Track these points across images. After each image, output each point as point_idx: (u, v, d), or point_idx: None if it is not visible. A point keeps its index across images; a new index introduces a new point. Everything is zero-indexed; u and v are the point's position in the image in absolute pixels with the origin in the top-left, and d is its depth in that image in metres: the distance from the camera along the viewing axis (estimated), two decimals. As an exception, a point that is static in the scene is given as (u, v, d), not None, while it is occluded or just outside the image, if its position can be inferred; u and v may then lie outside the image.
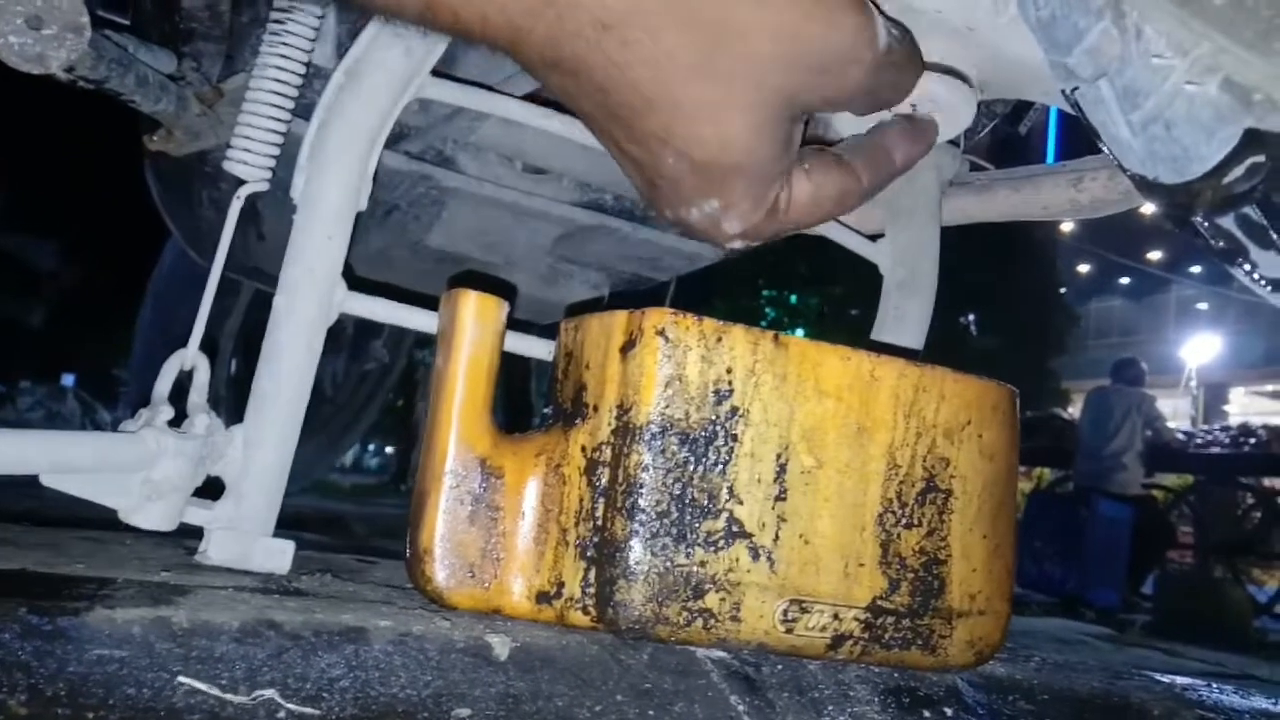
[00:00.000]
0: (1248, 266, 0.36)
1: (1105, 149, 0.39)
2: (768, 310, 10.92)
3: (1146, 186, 0.38)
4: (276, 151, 0.64)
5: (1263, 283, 0.36)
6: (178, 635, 0.40)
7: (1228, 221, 0.35)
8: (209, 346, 0.61)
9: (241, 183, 0.63)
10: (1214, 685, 0.65)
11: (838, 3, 0.43)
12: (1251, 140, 0.32)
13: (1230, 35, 0.33)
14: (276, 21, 0.65)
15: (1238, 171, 0.33)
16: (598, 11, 0.40)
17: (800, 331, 10.55)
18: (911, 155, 0.52)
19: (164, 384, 0.59)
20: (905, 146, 0.52)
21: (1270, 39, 0.32)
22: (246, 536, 0.58)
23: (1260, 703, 0.60)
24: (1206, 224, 0.35)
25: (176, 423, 0.57)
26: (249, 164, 0.63)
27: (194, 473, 0.56)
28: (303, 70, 0.65)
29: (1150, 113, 0.35)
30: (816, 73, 0.44)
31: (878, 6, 0.44)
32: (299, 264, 0.59)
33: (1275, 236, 0.33)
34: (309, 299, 0.58)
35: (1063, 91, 0.40)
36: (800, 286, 10.72)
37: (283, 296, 0.59)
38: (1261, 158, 0.32)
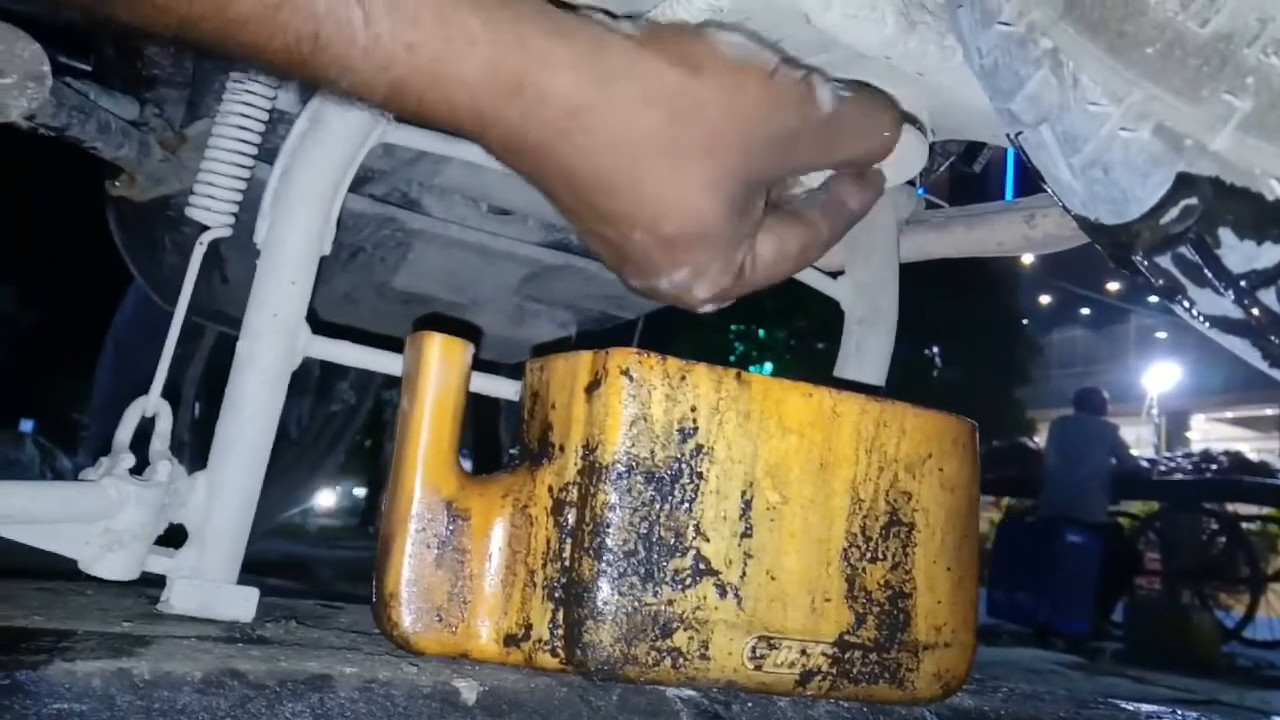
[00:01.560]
0: (1187, 304, 0.37)
1: (1050, 190, 0.41)
2: (736, 345, 10.99)
3: (1089, 227, 0.39)
4: (240, 197, 0.64)
5: (1201, 319, 0.37)
6: (139, 687, 0.40)
7: (1165, 261, 0.36)
8: (172, 391, 0.61)
9: (205, 228, 0.63)
10: (1178, 712, 0.66)
11: (781, 81, 0.46)
12: (1184, 183, 0.34)
13: (1160, 83, 0.34)
14: (239, 69, 0.65)
15: (1173, 213, 0.35)
16: (565, 100, 0.42)
17: (768, 365, 10.61)
18: (865, 202, 0.55)
19: (125, 431, 0.59)
20: (857, 195, 0.54)
21: (1198, 87, 0.33)
22: (210, 584, 0.57)
23: (1222, 728, 0.61)
24: (1146, 263, 0.37)
25: (138, 470, 0.57)
26: (212, 209, 0.63)
27: (156, 521, 0.55)
28: (266, 116, 0.66)
29: (1089, 157, 0.36)
30: (770, 146, 0.47)
31: (822, 72, 0.47)
32: (262, 309, 0.59)
33: (1210, 275, 0.35)
34: (272, 344, 0.58)
35: (1008, 135, 0.42)
36: (767, 321, 10.79)
37: (246, 342, 0.59)
38: (1194, 200, 0.34)
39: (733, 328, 10.94)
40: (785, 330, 10.74)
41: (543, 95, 0.41)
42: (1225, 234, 0.33)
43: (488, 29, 0.40)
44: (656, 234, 0.46)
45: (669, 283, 0.49)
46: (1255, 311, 0.34)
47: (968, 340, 11.21)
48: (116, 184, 0.90)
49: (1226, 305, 0.35)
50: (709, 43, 0.46)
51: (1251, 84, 0.32)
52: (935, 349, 11.30)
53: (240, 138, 0.64)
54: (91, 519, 0.53)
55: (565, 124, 0.42)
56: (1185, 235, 0.34)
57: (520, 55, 0.41)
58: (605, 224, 0.47)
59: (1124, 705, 0.66)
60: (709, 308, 0.52)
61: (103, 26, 0.40)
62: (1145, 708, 0.65)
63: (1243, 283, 0.34)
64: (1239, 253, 0.33)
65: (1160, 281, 0.37)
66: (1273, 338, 0.34)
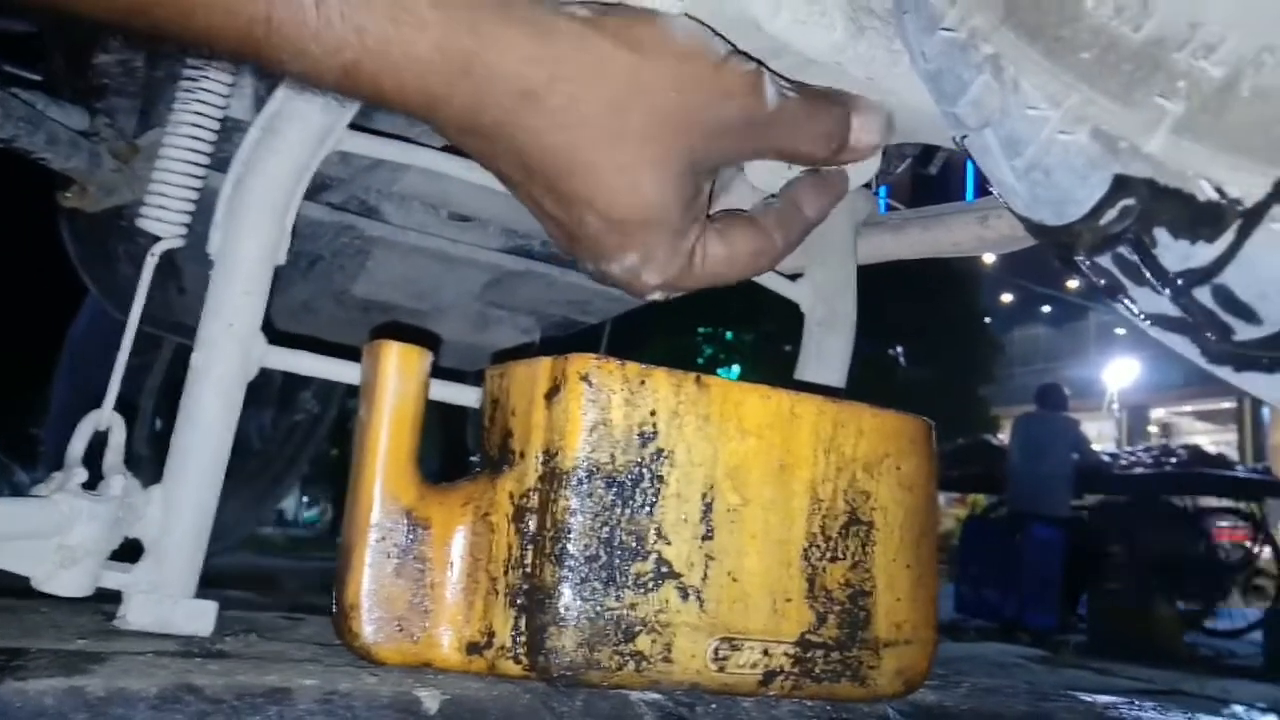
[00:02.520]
0: (1128, 302, 0.38)
1: (997, 192, 0.42)
2: (704, 348, 11.02)
3: (1033, 228, 0.40)
4: (192, 206, 0.63)
5: (1142, 317, 0.38)
6: (92, 704, 0.39)
7: (1106, 260, 0.37)
8: (130, 404, 0.60)
9: (157, 239, 0.62)
10: (1135, 703, 0.67)
11: (729, 70, 0.47)
12: (1121, 185, 0.35)
13: (1096, 87, 0.35)
14: (190, 77, 0.64)
15: (1111, 214, 0.35)
16: (515, 81, 0.43)
17: (736, 368, 10.66)
18: (822, 207, 0.56)
19: (78, 446, 0.58)
20: (815, 200, 0.55)
21: (1132, 90, 0.34)
22: (167, 599, 0.56)
23: (1176, 717, 0.62)
24: (1088, 263, 0.38)
25: (93, 484, 0.56)
26: (164, 220, 0.62)
27: (110, 536, 0.55)
28: (218, 124, 0.65)
29: (1031, 160, 0.37)
30: (715, 134, 0.47)
31: (768, 68, 0.47)
32: (217, 320, 0.58)
33: (1148, 274, 0.35)
34: (228, 355, 0.58)
35: (953, 139, 0.43)
36: (734, 324, 10.84)
37: (201, 353, 0.58)
38: (1131, 201, 0.35)
39: (700, 331, 10.97)
40: (752, 333, 10.79)
41: (493, 76, 0.42)
42: (1161, 234, 0.34)
43: (437, 11, 0.41)
44: (607, 216, 0.47)
45: (619, 267, 0.50)
46: (1191, 309, 0.35)
47: (931, 340, 11.34)
48: (68, 195, 0.88)
49: (1164, 303, 0.36)
50: (659, 28, 0.46)
51: (1183, 87, 0.33)
52: (899, 349, 11.41)
53: (192, 146, 0.64)
54: (44, 535, 0.52)
55: (515, 105, 0.43)
56: (1124, 235, 0.35)
57: (470, 37, 0.41)
58: (558, 206, 0.47)
59: (1083, 697, 0.67)
60: (658, 295, 0.53)
61: (55, 16, 0.40)
62: (1103, 699, 0.66)
63: (1179, 281, 0.35)
64: (1174, 252, 0.34)
65: (1102, 281, 0.38)
66: (1208, 334, 0.35)
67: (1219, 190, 0.32)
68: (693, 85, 0.46)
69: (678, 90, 0.45)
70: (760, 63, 0.49)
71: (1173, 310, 0.36)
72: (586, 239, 0.49)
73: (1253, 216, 0.31)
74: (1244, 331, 0.34)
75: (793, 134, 0.51)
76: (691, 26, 0.48)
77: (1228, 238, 0.32)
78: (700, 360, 10.49)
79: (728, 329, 11.03)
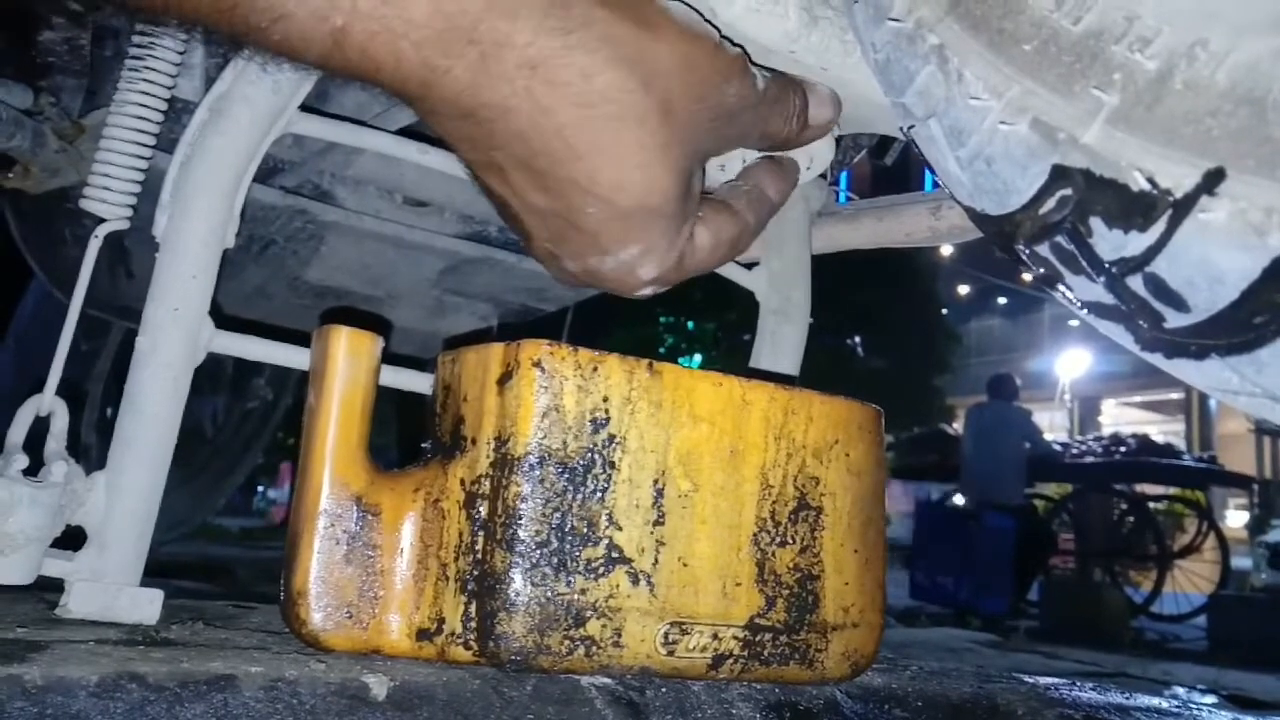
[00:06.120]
0: (1065, 289, 0.39)
1: (943, 182, 0.42)
2: (666, 337, 11.04)
3: (977, 217, 0.40)
4: (137, 188, 0.62)
5: (1079, 305, 0.39)
6: (31, 693, 0.38)
7: (1044, 249, 0.38)
8: (77, 390, 0.59)
9: (101, 220, 0.61)
10: (1076, 684, 0.69)
11: (724, 54, 0.45)
12: (1059, 175, 0.35)
13: (1037, 79, 0.36)
14: (136, 56, 0.63)
15: (1050, 203, 0.36)
16: (527, 50, 0.39)
17: (698, 357, 10.69)
18: (783, 191, 0.55)
19: (18, 431, 0.57)
20: (776, 183, 0.54)
21: (1070, 82, 0.35)
22: (111, 587, 0.55)
23: (1115, 698, 0.63)
24: (1028, 252, 0.38)
25: (35, 471, 0.55)
26: (108, 201, 0.61)
27: (52, 523, 0.54)
28: (165, 104, 0.64)
29: (974, 150, 0.38)
30: (718, 118, 0.45)
31: (747, 54, 0.47)
32: (162, 303, 0.57)
33: (1084, 263, 0.36)
34: (174, 339, 0.57)
35: (901, 129, 0.43)
36: (696, 313, 10.87)
37: (146, 337, 0.57)
38: (1069, 191, 0.35)
39: (663, 320, 10.99)
40: (714, 323, 10.83)
41: (501, 44, 0.38)
42: (1096, 223, 0.35)
43: None
44: (613, 205, 0.43)
45: (614, 261, 0.46)
46: (1125, 297, 0.36)
47: (889, 330, 11.46)
48: (10, 175, 0.86)
49: (1100, 291, 0.37)
50: (661, 6, 0.44)
51: (1119, 79, 0.34)
52: (858, 339, 11.53)
53: (138, 126, 0.62)
54: (-18, 522, 0.51)
55: (525, 77, 0.39)
56: (1061, 225, 0.36)
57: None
58: (553, 196, 0.44)
59: (1025, 679, 0.69)
60: (648, 291, 0.50)
61: None
62: (1045, 680, 0.68)
63: (1113, 269, 0.35)
64: (1109, 241, 0.35)
65: (1041, 270, 0.38)
66: (1141, 322, 0.36)
67: (1151, 181, 0.33)
68: (699, 67, 0.43)
69: (686, 71, 0.43)
70: (742, 48, 0.48)
71: (1108, 298, 0.37)
72: (581, 233, 0.45)
73: (1183, 207, 0.32)
74: (1174, 319, 0.35)
75: (769, 116, 0.50)
76: (685, 8, 0.45)
77: (1159, 227, 0.33)
78: (662, 350, 10.52)
79: (690, 319, 11.06)
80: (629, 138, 0.42)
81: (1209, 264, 0.32)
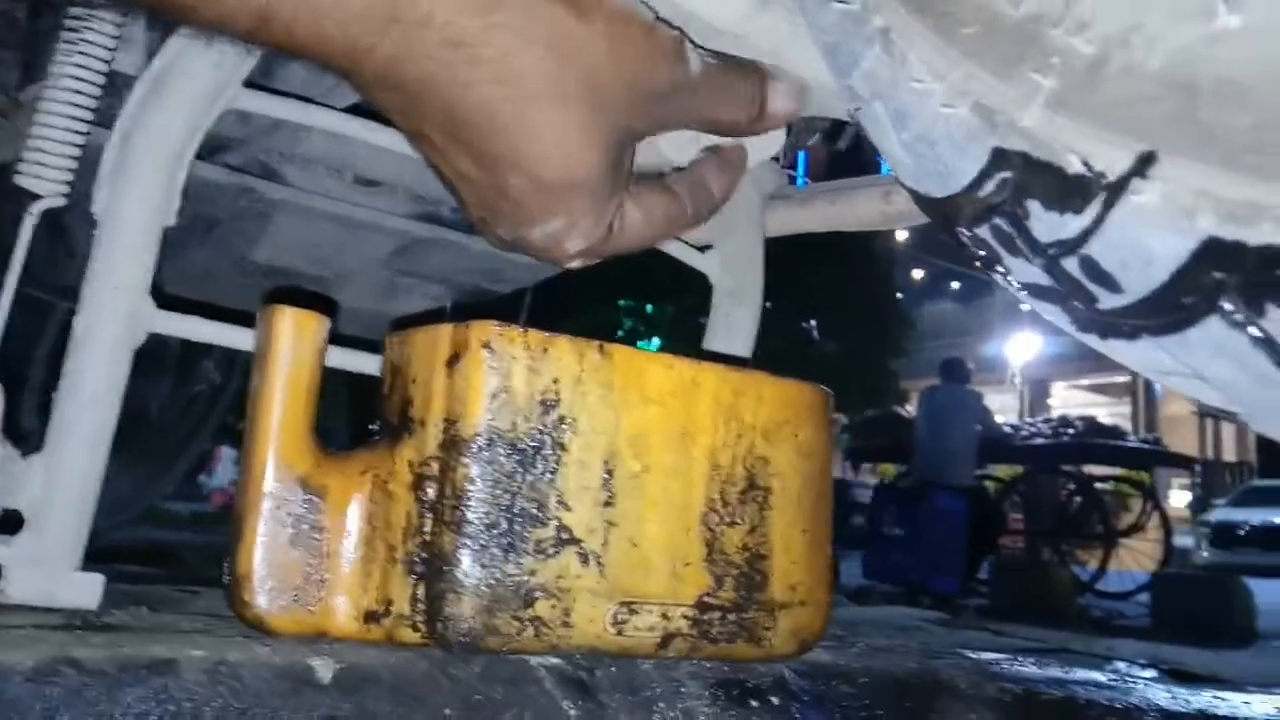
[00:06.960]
0: (1003, 271, 0.39)
1: (889, 165, 0.43)
2: (625, 321, 11.05)
3: (920, 200, 0.41)
4: (74, 164, 0.61)
5: (1017, 286, 0.39)
6: (-37, 680, 0.38)
7: (984, 231, 0.38)
8: (17, 373, 0.58)
9: (37, 197, 0.59)
10: (1018, 659, 0.71)
11: (658, 35, 0.46)
12: (999, 158, 0.36)
13: (978, 62, 0.36)
14: (73, 29, 0.61)
15: (990, 186, 0.37)
16: (448, 30, 0.40)
17: (655, 340, 10.71)
18: (727, 185, 0.56)
19: (-48, 414, 0.55)
20: (719, 176, 0.55)
21: (1010, 65, 0.35)
22: (50, 571, 0.54)
23: (1054, 672, 0.65)
24: (969, 234, 0.39)
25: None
26: (44, 178, 0.59)
27: (-14, 507, 0.52)
28: (103, 78, 0.62)
29: (917, 132, 0.38)
30: (646, 98, 0.47)
31: (689, 38, 0.47)
32: (101, 282, 0.56)
33: (1021, 245, 0.37)
34: (112, 319, 0.56)
35: (848, 111, 0.43)
36: (655, 297, 10.88)
37: (84, 316, 0.56)
38: (1008, 173, 0.36)
39: (621, 303, 10.99)
40: (673, 306, 10.85)
41: (423, 23, 0.39)
42: (1034, 205, 0.36)
43: None
44: (536, 178, 0.45)
45: (541, 232, 0.48)
46: (1061, 279, 0.36)
47: (845, 314, 11.58)
48: (-58, 150, 0.83)
49: (1037, 273, 0.38)
50: None
51: (1056, 63, 0.34)
52: (813, 322, 11.63)
53: (75, 101, 0.61)
54: (-87, 507, 0.50)
55: (448, 55, 0.41)
56: (1000, 207, 0.36)
57: None
58: (479, 168, 0.45)
59: (970, 654, 0.71)
60: (577, 262, 0.51)
61: None
62: (988, 655, 0.69)
63: (1050, 251, 0.36)
64: (1045, 223, 0.36)
65: (981, 252, 0.39)
66: (1076, 303, 0.37)
67: (1086, 164, 0.33)
68: (627, 47, 0.45)
69: (612, 51, 0.44)
70: (680, 30, 0.49)
71: (1044, 280, 0.37)
72: (509, 203, 0.47)
73: (1116, 189, 0.33)
74: (1107, 300, 0.35)
75: (714, 102, 0.51)
76: None
77: (1094, 210, 0.33)
78: (620, 333, 10.52)
79: (649, 302, 11.07)
80: (550, 115, 0.44)
81: (1141, 246, 0.33)
